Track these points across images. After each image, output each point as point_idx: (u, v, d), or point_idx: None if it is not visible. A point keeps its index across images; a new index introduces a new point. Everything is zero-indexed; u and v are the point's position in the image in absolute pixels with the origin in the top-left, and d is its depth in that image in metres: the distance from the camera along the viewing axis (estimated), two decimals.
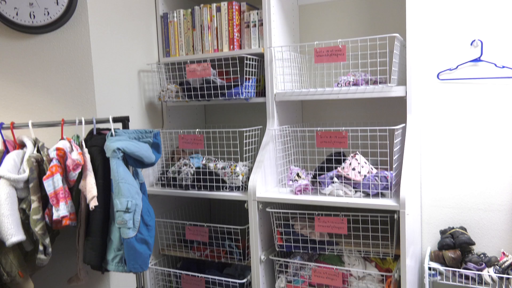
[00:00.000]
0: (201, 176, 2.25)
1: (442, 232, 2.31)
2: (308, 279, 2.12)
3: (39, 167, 1.72)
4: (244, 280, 2.20)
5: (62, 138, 1.83)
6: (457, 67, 2.23)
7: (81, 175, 1.77)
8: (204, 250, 2.35)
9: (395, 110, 2.33)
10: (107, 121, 1.91)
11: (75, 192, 1.77)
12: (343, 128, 1.95)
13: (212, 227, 2.29)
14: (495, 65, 2.15)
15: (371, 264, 2.09)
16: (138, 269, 1.72)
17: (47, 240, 1.67)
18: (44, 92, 2.15)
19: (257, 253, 2.14)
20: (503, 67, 2.14)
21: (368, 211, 1.94)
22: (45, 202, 1.72)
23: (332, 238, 2.11)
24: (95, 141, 1.86)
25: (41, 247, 1.67)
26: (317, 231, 2.05)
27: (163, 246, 2.49)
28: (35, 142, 1.81)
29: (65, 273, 2.01)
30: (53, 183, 1.66)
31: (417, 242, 2.29)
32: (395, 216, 1.83)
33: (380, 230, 1.96)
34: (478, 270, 2.11)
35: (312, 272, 2.08)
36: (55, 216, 1.66)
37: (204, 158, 2.42)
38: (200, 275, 2.26)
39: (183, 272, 2.32)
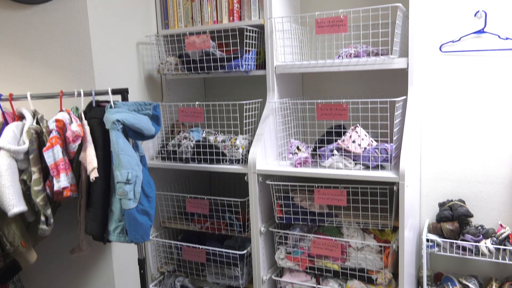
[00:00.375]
0: (201, 149, 2.26)
1: (441, 205, 2.33)
2: (307, 250, 2.15)
3: (39, 139, 1.71)
4: (244, 252, 2.23)
5: (61, 110, 1.82)
6: (460, 39, 2.20)
7: (81, 147, 1.77)
8: (205, 223, 2.38)
9: (396, 83, 2.31)
10: (106, 93, 1.89)
11: (75, 163, 1.77)
12: (343, 101, 1.94)
13: (213, 199, 2.31)
14: (499, 36, 2.12)
15: (369, 236, 2.12)
16: (139, 240, 1.74)
17: (49, 211, 1.68)
18: (42, 65, 2.13)
19: (257, 225, 2.16)
20: (507, 38, 2.11)
21: (368, 183, 1.95)
22: (46, 174, 1.73)
23: (332, 210, 2.13)
24: (94, 113, 1.85)
25: (42, 218, 1.68)
26: (316, 203, 2.07)
27: (163, 218, 2.52)
28: (34, 114, 1.80)
29: (68, 244, 2.03)
30: (53, 155, 1.66)
31: (416, 214, 2.31)
32: (395, 188, 1.84)
33: (379, 202, 1.97)
34: (475, 241, 2.13)
35: (312, 244, 2.10)
36: (56, 187, 1.67)
37: (204, 132, 2.42)
38: (200, 246, 2.29)
39: (184, 244, 2.35)
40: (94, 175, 1.69)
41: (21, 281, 2.02)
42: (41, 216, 1.68)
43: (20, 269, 1.97)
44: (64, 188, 1.66)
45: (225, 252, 2.25)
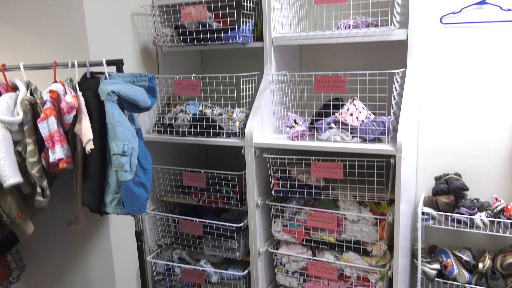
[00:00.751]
0: (198, 123, 2.24)
1: (437, 179, 2.34)
2: (303, 223, 2.17)
3: (33, 110, 1.69)
4: (241, 225, 2.24)
5: (55, 81, 1.79)
6: (461, 10, 2.16)
7: (76, 119, 1.75)
8: (202, 196, 2.38)
9: (396, 56, 2.28)
10: (100, 64, 1.86)
11: (70, 135, 1.76)
12: (341, 73, 1.91)
13: (209, 173, 2.30)
14: (501, 8, 2.08)
15: (365, 209, 2.13)
16: (136, 211, 1.75)
17: (45, 183, 1.68)
18: (35, 35, 2.09)
19: (253, 198, 2.16)
20: (509, 10, 2.07)
21: (365, 156, 1.95)
22: (41, 146, 1.71)
23: (328, 183, 2.14)
24: (89, 85, 1.82)
25: (39, 190, 1.67)
26: (313, 176, 2.07)
27: (160, 192, 2.52)
28: (28, 85, 1.77)
29: (65, 217, 2.03)
30: (48, 126, 1.64)
31: (412, 188, 2.32)
32: (391, 161, 1.84)
33: (376, 175, 1.98)
34: (470, 214, 2.15)
35: (308, 216, 2.12)
36: (51, 159, 1.66)
37: (201, 105, 2.40)
38: (197, 219, 2.31)
39: (181, 217, 2.36)
40: (89, 147, 1.67)
41: (19, 253, 2.03)
42: (37, 187, 1.67)
43: (17, 241, 1.98)
44: (59, 160, 1.65)
45: (222, 225, 2.26)
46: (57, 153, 1.65)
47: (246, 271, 2.28)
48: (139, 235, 2.04)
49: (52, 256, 2.16)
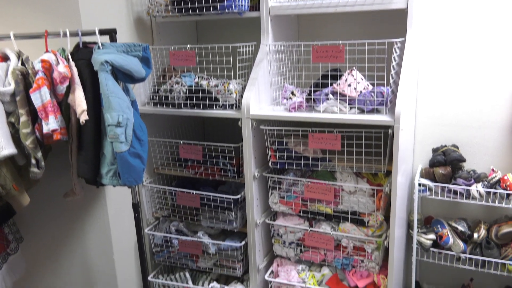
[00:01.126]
0: (194, 95, 2.21)
1: (434, 150, 2.34)
2: (300, 194, 2.17)
3: (25, 80, 1.65)
4: (238, 196, 2.24)
5: (46, 51, 1.75)
6: None
7: (69, 89, 1.71)
8: (198, 169, 2.38)
9: (395, 26, 2.23)
10: (93, 33, 1.81)
11: (64, 106, 1.73)
12: (340, 42, 1.87)
13: (206, 145, 2.29)
14: None
15: (362, 180, 2.13)
16: (133, 183, 1.74)
17: (39, 154, 1.66)
18: (25, 4, 2.03)
19: (250, 170, 2.16)
20: None
21: (363, 127, 1.93)
22: (34, 117, 1.68)
23: (326, 155, 2.13)
24: (81, 54, 1.78)
25: (33, 161, 1.66)
26: (310, 148, 2.06)
27: (157, 165, 2.51)
28: (19, 55, 1.73)
29: (61, 189, 2.02)
30: (41, 96, 1.61)
31: (409, 160, 2.32)
32: (390, 131, 1.82)
33: (374, 146, 1.96)
34: (467, 185, 2.16)
35: (305, 188, 2.12)
36: (45, 130, 1.63)
37: (196, 76, 2.36)
38: (195, 191, 2.30)
39: (178, 189, 2.36)
40: (83, 117, 1.65)
41: (16, 225, 2.03)
42: (31, 159, 1.65)
43: (14, 213, 1.97)
44: (53, 131, 1.63)
45: (219, 197, 2.26)
46: (51, 124, 1.62)
47: (243, 242, 2.30)
48: (136, 207, 2.04)
49: (50, 228, 2.16)
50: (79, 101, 1.67)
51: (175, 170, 2.45)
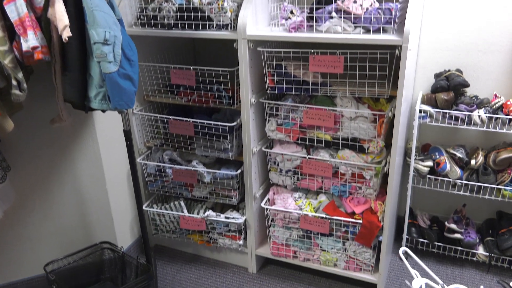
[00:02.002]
0: (185, 14, 2.03)
1: (437, 75, 2.25)
2: (299, 121, 2.09)
3: None
4: (234, 124, 2.15)
5: None
6: None
7: (48, 2, 1.54)
8: (191, 95, 2.26)
9: None
10: None
11: (44, 22, 1.56)
12: None
13: (199, 70, 2.15)
14: None
15: (363, 106, 2.06)
16: (124, 106, 1.63)
17: (20, 75, 1.52)
18: None
19: (247, 96, 2.06)
20: None
21: (368, 48, 1.82)
22: (12, 35, 1.52)
23: (326, 79, 2.03)
24: None
25: (14, 82, 1.52)
26: (311, 71, 1.95)
27: (147, 92, 2.38)
28: None
29: (48, 116, 1.90)
30: (16, 9, 1.44)
31: (410, 86, 2.23)
32: (397, 52, 1.71)
33: (378, 69, 1.86)
34: (469, 111, 2.11)
35: (304, 114, 2.04)
36: (24, 48, 1.48)
37: None
38: (188, 119, 2.21)
39: (170, 117, 2.26)
40: (66, 34, 1.49)
41: (2, 153, 1.93)
42: (12, 80, 1.52)
43: None
44: (34, 48, 1.48)
45: (214, 124, 2.17)
46: (30, 40, 1.47)
47: (239, 171, 2.25)
48: (127, 134, 1.94)
49: (38, 157, 2.07)
50: (60, 15, 1.50)
51: (166, 98, 2.33)
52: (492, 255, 2.28)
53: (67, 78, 1.61)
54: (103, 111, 1.73)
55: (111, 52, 1.54)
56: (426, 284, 1.41)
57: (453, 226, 2.33)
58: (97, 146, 2.16)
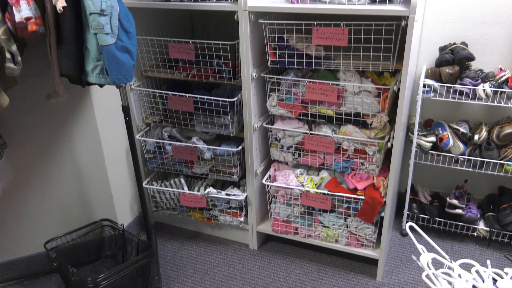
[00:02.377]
0: None
1: (442, 49, 2.21)
2: (301, 96, 2.05)
3: None
4: (235, 99, 2.11)
5: None
6: None
7: None
8: (190, 70, 2.21)
9: None
10: None
11: None
12: None
13: (198, 43, 2.09)
14: None
15: (367, 80, 2.01)
16: (122, 80, 1.58)
17: (14, 47, 1.46)
18: None
19: (248, 70, 2.01)
20: None
21: (372, 19, 1.77)
22: (4, 6, 1.46)
23: (330, 52, 1.97)
24: None
25: (8, 55, 1.47)
26: (314, 44, 1.90)
27: (145, 67, 2.32)
28: None
29: (44, 91, 1.85)
30: None
31: (414, 60, 2.19)
32: (403, 23, 1.66)
33: (383, 41, 1.81)
34: (474, 85, 2.07)
35: (306, 89, 1.99)
36: (17, 19, 1.42)
37: None
38: (187, 95, 2.16)
39: (169, 92, 2.21)
40: (61, 4, 1.43)
41: (2, 137, 1.88)
42: (5, 53, 1.46)
43: None
44: (27, 19, 1.42)
45: (214, 99, 2.13)
46: (23, 10, 1.41)
47: (240, 147, 2.22)
48: (126, 109, 1.89)
49: (35, 134, 2.03)
50: None
51: (165, 72, 2.28)
52: (493, 230, 2.29)
53: (63, 51, 1.56)
54: (101, 85, 1.68)
55: (108, 23, 1.49)
56: (433, 259, 1.40)
57: (455, 201, 2.32)
58: (95, 122, 2.12)
